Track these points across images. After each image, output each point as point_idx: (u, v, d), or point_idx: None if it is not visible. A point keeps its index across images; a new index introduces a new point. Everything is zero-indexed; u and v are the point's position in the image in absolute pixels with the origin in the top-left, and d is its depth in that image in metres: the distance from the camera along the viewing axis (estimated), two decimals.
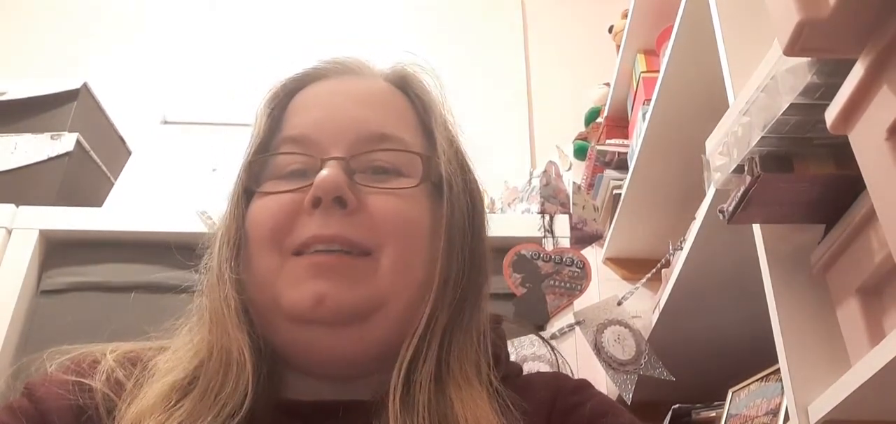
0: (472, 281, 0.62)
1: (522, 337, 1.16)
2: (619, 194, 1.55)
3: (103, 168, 1.66)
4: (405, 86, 0.69)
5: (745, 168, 0.74)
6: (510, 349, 0.77)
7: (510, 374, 0.65)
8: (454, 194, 0.63)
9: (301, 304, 0.56)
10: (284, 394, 0.59)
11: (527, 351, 1.14)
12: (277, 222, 0.59)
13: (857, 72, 0.54)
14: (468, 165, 0.68)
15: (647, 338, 1.24)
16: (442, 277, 0.59)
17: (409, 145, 0.64)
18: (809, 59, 0.61)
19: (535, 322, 1.25)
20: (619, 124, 1.78)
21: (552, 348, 0.77)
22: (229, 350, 0.56)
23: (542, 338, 0.82)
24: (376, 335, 0.58)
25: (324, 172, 0.58)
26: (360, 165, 0.61)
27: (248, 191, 0.63)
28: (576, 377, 0.69)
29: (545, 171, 1.50)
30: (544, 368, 1.02)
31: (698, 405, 1.17)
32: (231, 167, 0.66)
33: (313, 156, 0.61)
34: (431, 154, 0.64)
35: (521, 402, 0.58)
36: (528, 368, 0.73)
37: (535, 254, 1.29)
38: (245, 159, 0.64)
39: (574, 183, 1.50)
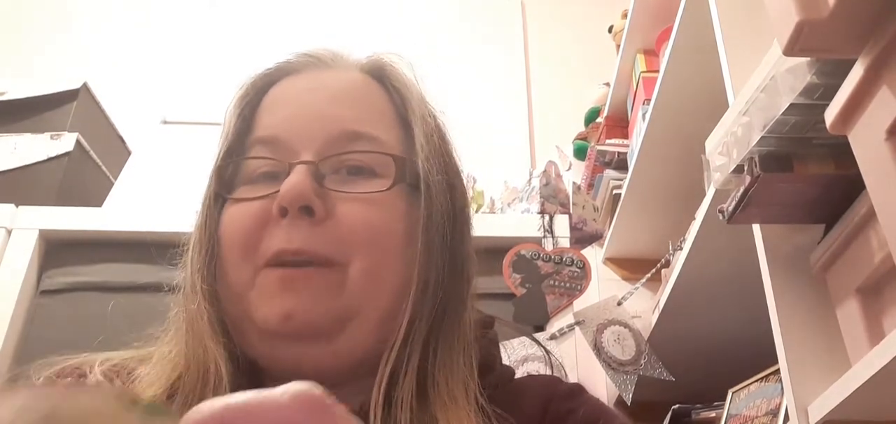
0: (453, 286, 0.60)
1: (518, 338, 1.16)
2: (619, 194, 1.55)
3: (103, 168, 1.66)
4: (382, 77, 0.66)
5: (745, 168, 0.74)
6: (504, 352, 0.76)
7: (502, 380, 0.63)
8: (432, 194, 0.60)
9: (270, 320, 0.55)
10: None
11: (523, 352, 1.13)
12: (246, 234, 0.57)
13: (857, 72, 0.54)
14: (451, 158, 0.65)
15: (647, 338, 1.23)
16: (420, 282, 0.57)
17: (384, 144, 0.61)
18: (809, 58, 0.61)
19: (535, 322, 1.25)
20: (619, 124, 1.77)
21: (546, 350, 0.76)
22: (206, 363, 0.55)
23: (536, 341, 0.80)
24: (350, 347, 0.56)
25: (290, 180, 0.56)
26: (332, 167, 0.59)
27: (218, 196, 0.60)
28: (576, 376, 0.68)
29: (545, 171, 1.50)
30: (541, 368, 1.02)
31: (698, 405, 1.17)
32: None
33: (282, 159, 0.58)
34: (407, 152, 0.61)
35: (509, 418, 0.56)
36: (526, 369, 0.73)
37: (535, 254, 1.29)
38: (215, 163, 0.62)
39: (574, 183, 1.50)
